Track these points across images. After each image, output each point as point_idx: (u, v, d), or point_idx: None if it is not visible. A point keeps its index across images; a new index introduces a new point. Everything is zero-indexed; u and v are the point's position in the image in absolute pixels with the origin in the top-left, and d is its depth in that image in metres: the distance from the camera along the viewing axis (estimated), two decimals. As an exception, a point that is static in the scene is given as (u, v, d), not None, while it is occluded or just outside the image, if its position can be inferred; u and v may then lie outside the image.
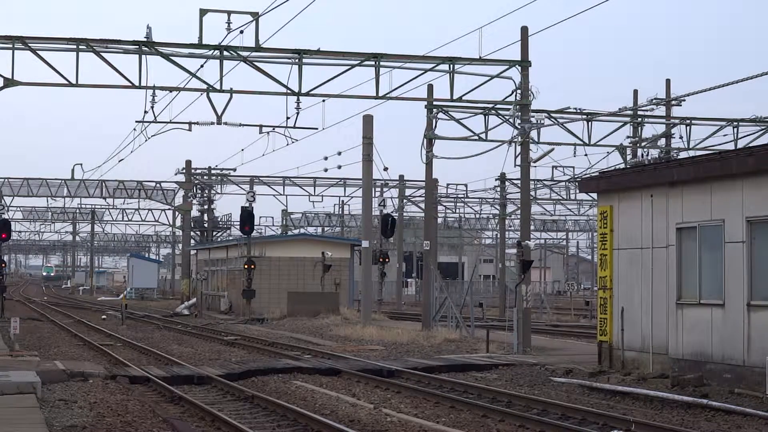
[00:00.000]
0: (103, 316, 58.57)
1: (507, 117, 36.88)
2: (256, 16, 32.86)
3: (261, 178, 74.84)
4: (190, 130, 43.33)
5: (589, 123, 41.36)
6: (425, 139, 39.35)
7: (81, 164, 60.88)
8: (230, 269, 63.92)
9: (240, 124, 44.67)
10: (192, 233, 76.88)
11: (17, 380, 21.55)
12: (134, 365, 27.87)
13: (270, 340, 39.21)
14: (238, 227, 61.04)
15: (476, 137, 38.70)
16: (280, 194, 76.89)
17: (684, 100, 43.47)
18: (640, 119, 42.84)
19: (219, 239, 78.29)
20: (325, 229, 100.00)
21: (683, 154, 41.66)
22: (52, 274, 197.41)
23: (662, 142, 43.19)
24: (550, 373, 26.43)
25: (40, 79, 34.17)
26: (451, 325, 39.82)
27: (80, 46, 33.01)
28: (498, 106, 37.41)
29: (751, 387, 21.28)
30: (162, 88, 35.39)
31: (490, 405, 20.48)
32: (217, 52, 33.81)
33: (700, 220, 23.45)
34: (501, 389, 23.04)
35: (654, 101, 41.49)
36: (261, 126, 44.12)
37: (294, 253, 60.40)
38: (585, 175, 43.30)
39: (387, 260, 72.79)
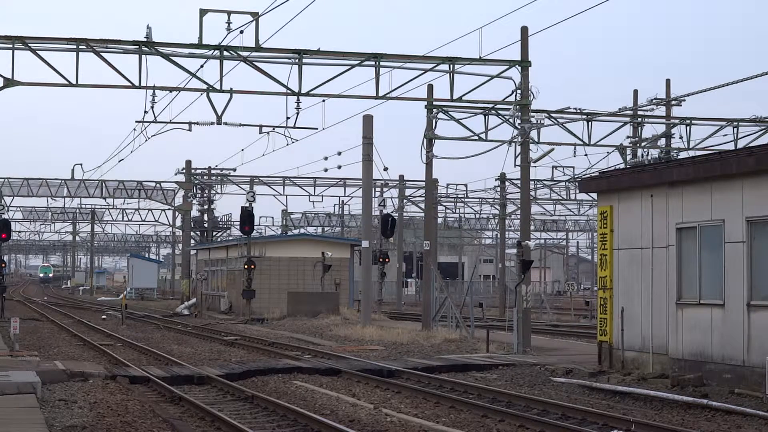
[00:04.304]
0: (103, 316, 58.56)
1: (507, 117, 36.89)
2: (256, 16, 32.86)
3: (261, 178, 74.85)
4: (190, 130, 43.36)
5: (589, 123, 41.35)
6: (425, 139, 39.34)
7: (81, 164, 61.06)
8: (230, 269, 63.91)
9: (240, 124, 44.70)
10: (192, 233, 76.87)
11: (17, 380, 21.55)
12: (134, 365, 27.86)
13: (270, 340, 39.21)
14: (238, 227, 61.04)
15: (476, 137, 38.70)
16: (280, 194, 76.96)
17: (684, 100, 43.52)
18: (640, 119, 42.83)
19: (219, 239, 78.29)
20: (325, 229, 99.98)
21: (683, 154, 41.66)
22: (50, 275, 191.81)
23: (662, 142, 43.18)
24: (550, 373, 26.43)
25: (40, 79, 34.25)
26: (451, 325, 39.80)
27: (80, 46, 33.02)
28: (498, 106, 37.42)
29: (751, 387, 21.28)
30: (162, 88, 35.40)
31: (490, 405, 20.47)
32: (217, 52, 33.81)
33: (700, 220, 23.45)
34: (501, 389, 23.03)
35: (654, 101, 41.52)
36: (261, 126, 44.15)
37: (294, 253, 60.39)
38: (585, 175, 43.31)
39: (387, 260, 72.79)
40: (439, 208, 75.64)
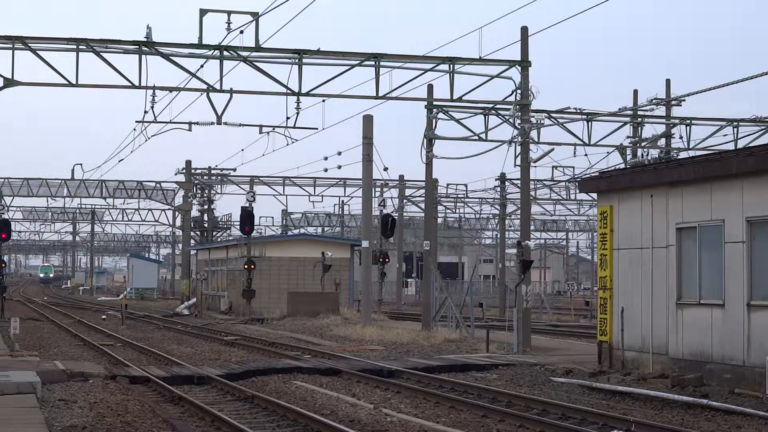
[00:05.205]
0: (103, 316, 58.56)
1: (507, 117, 36.90)
2: (256, 16, 32.87)
3: (261, 178, 74.85)
4: (190, 130, 43.41)
5: (589, 123, 41.36)
6: (425, 139, 39.34)
7: (81, 164, 61.13)
8: (230, 269, 63.92)
9: (240, 124, 44.72)
10: (192, 233, 76.88)
11: (17, 380, 21.55)
12: (134, 365, 27.86)
13: (270, 340, 39.21)
14: (238, 227, 61.06)
15: (476, 137, 38.70)
16: (280, 194, 76.98)
17: (684, 100, 43.54)
18: (640, 119, 42.83)
19: (219, 239, 78.29)
20: (325, 229, 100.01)
21: (683, 154, 41.67)
22: (50, 275, 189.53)
23: (662, 142, 43.19)
24: (550, 373, 26.42)
25: (40, 79, 34.24)
26: (451, 325, 39.80)
27: (80, 46, 33.03)
28: (498, 106, 37.42)
29: (751, 387, 21.28)
30: (162, 88, 35.41)
31: (490, 405, 20.47)
32: (217, 52, 33.81)
33: (700, 220, 23.44)
34: (501, 389, 23.03)
35: (654, 101, 41.53)
36: (261, 126, 44.19)
37: (294, 253, 60.40)
38: (585, 175, 43.31)
39: (387, 260, 72.75)
40: (439, 208, 75.65)
